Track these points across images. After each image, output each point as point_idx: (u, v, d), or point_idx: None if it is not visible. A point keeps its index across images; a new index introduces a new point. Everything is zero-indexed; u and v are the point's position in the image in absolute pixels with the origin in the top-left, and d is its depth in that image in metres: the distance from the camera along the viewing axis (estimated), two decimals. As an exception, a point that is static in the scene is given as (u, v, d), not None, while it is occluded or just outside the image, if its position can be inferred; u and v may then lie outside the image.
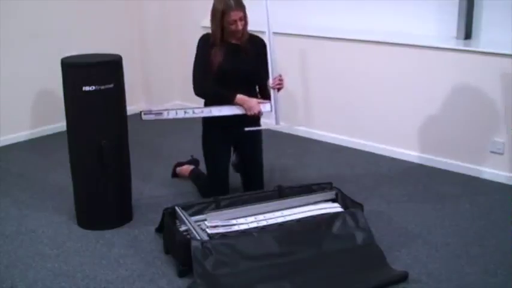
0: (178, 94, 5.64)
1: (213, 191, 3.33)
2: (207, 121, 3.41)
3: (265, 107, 3.28)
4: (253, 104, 3.23)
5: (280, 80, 3.28)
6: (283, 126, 3.35)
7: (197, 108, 3.37)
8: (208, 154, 3.45)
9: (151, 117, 3.27)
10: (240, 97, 3.23)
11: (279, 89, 3.30)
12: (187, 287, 2.62)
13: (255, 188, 3.40)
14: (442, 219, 3.28)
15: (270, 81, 3.28)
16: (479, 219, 3.27)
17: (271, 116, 3.34)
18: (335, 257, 2.77)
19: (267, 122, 3.43)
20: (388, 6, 4.26)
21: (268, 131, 4.85)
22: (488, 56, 3.68)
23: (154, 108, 5.50)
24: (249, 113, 3.23)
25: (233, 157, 3.59)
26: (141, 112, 3.26)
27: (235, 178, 3.90)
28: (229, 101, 3.25)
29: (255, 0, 3.40)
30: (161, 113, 3.30)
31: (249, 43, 3.32)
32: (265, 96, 3.34)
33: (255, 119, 3.33)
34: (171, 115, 3.30)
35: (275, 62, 3.29)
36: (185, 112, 3.33)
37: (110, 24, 5.10)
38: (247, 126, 3.27)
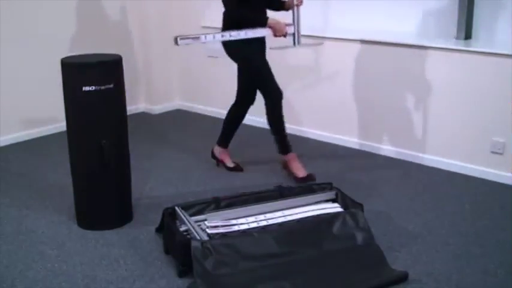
0: (179, 94, 5.65)
1: (277, 95, 3.66)
2: (247, 40, 3.56)
3: (290, 29, 3.57)
4: (282, 26, 3.54)
5: None
6: (302, 45, 3.71)
7: (233, 31, 3.50)
8: (260, 66, 3.68)
9: (189, 41, 3.32)
10: (271, 20, 3.53)
11: (297, 6, 3.59)
12: (187, 287, 2.62)
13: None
14: (442, 219, 3.28)
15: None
16: (479, 219, 3.27)
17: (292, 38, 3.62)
18: (335, 257, 2.78)
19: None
20: (388, 6, 4.26)
21: (263, 130, 4.87)
22: (488, 56, 3.68)
23: (156, 107, 5.51)
24: (277, 34, 3.54)
25: None
26: (176, 37, 3.25)
27: (235, 178, 3.90)
28: (263, 23, 3.52)
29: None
30: (198, 37, 3.38)
31: None
32: (277, 7, 3.69)
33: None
34: (209, 38, 3.44)
35: None
36: (222, 36, 3.52)
37: (110, 24, 5.10)
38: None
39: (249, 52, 3.63)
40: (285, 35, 3.57)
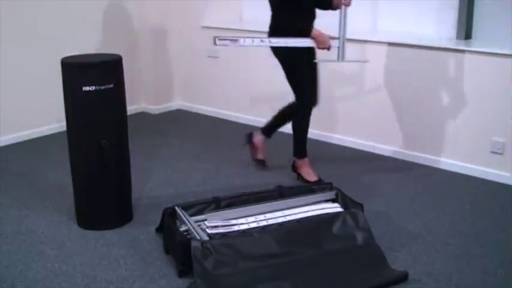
0: (179, 94, 5.65)
1: (311, 104, 3.66)
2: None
3: (334, 42, 3.51)
4: (326, 38, 3.48)
5: None
6: (349, 61, 3.68)
7: (273, 38, 3.49)
8: (301, 70, 3.61)
9: (226, 43, 3.30)
10: (315, 31, 3.46)
11: (345, 5, 3.49)
12: (187, 287, 2.62)
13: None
14: (442, 219, 3.28)
15: None
16: (479, 219, 3.27)
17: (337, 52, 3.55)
18: (335, 257, 2.77)
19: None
20: (388, 7, 4.27)
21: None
22: (488, 56, 3.68)
23: (156, 107, 5.51)
24: (320, 46, 3.49)
25: None
26: (215, 38, 3.24)
27: (235, 178, 3.90)
28: (307, 33, 3.46)
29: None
30: (237, 40, 3.36)
31: None
32: (325, 6, 3.59)
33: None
34: (247, 42, 3.42)
35: None
36: (261, 41, 3.49)
37: (110, 24, 5.10)
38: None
39: (293, 55, 3.55)
40: (328, 48, 3.50)
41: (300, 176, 3.80)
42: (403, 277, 2.67)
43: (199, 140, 4.69)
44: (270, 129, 3.98)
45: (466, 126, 3.87)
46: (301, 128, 3.72)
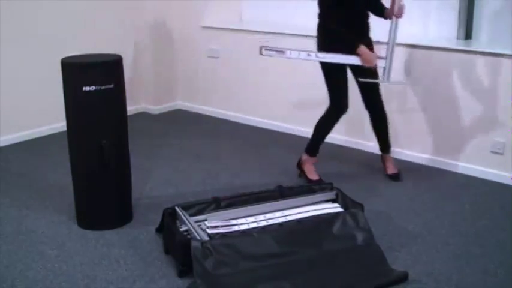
0: (179, 94, 5.65)
1: (342, 109, 3.61)
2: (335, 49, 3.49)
3: (381, 62, 3.47)
4: (372, 57, 3.45)
5: (403, 8, 3.43)
6: (394, 82, 3.63)
7: (320, 53, 3.47)
8: (338, 76, 3.58)
9: (272, 53, 3.29)
10: (362, 48, 3.41)
11: (397, 17, 3.44)
12: (187, 287, 2.62)
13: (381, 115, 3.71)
14: (442, 219, 3.28)
15: (395, 9, 3.41)
16: (479, 219, 3.27)
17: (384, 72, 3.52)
18: (335, 257, 2.77)
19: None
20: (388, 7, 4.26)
21: (264, 130, 4.87)
22: (488, 56, 3.68)
23: (156, 107, 5.52)
24: (366, 65, 3.44)
25: None
26: (261, 47, 3.22)
27: (235, 178, 3.90)
28: (353, 48, 3.42)
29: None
30: (283, 52, 3.34)
31: None
32: (374, 7, 3.54)
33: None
34: (294, 55, 3.41)
35: None
36: (308, 54, 3.45)
37: (110, 24, 5.10)
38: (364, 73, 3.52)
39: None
40: (374, 68, 3.49)
41: (302, 173, 3.81)
42: (403, 277, 2.67)
43: (199, 140, 4.69)
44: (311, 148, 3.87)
45: (466, 126, 3.87)
46: (321, 128, 3.73)
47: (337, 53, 3.44)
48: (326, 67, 3.57)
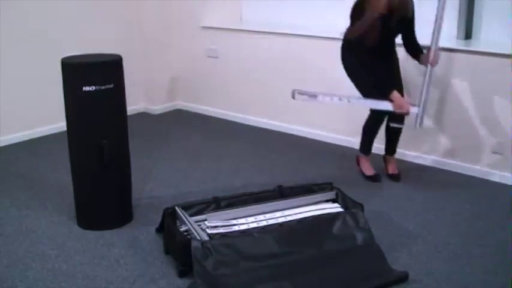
0: (179, 94, 5.65)
1: (381, 116, 3.61)
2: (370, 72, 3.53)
3: (413, 109, 3.47)
4: (405, 105, 3.44)
5: (439, 57, 3.47)
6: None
7: (352, 98, 3.50)
8: (373, 93, 3.54)
9: (304, 98, 3.31)
10: (395, 94, 3.42)
11: (432, 65, 3.47)
12: (187, 287, 2.62)
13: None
14: (442, 219, 3.28)
15: (431, 56, 3.44)
16: (479, 219, 3.27)
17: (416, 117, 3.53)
18: (335, 257, 2.77)
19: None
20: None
21: (264, 130, 4.87)
22: (488, 56, 3.68)
23: (156, 107, 5.52)
24: (397, 111, 3.44)
25: None
26: (294, 91, 3.25)
27: (235, 178, 3.90)
28: (386, 93, 3.43)
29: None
30: (316, 96, 3.36)
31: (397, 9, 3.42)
32: (410, 46, 3.57)
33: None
34: (326, 100, 3.41)
35: (439, 34, 3.40)
36: (340, 99, 3.48)
37: (110, 24, 5.10)
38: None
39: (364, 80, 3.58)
40: (405, 114, 3.49)
41: (359, 169, 3.90)
42: (403, 277, 2.67)
43: (199, 140, 4.69)
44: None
45: (466, 126, 3.87)
46: (367, 129, 3.77)
47: (369, 92, 3.51)
48: (354, 78, 3.60)
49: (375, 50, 3.43)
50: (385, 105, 3.46)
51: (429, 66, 3.48)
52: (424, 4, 4.13)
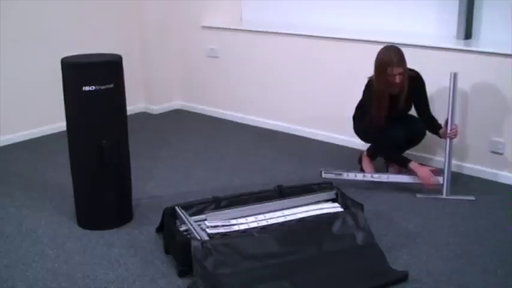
0: (179, 94, 5.65)
1: (389, 141, 3.61)
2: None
3: (439, 179, 3.51)
4: (427, 174, 3.50)
5: (457, 130, 3.53)
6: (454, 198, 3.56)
7: (376, 174, 3.68)
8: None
9: (331, 176, 3.61)
10: (413, 164, 3.52)
11: (451, 138, 3.52)
12: (187, 286, 2.62)
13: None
14: (442, 219, 3.28)
15: (448, 129, 3.50)
16: (479, 219, 3.27)
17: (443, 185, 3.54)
18: (335, 257, 2.78)
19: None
20: (388, 6, 4.26)
21: (264, 130, 4.87)
22: (488, 56, 3.68)
23: (156, 107, 5.52)
24: (425, 183, 3.50)
25: None
26: (321, 171, 3.64)
27: (235, 178, 3.90)
28: (403, 164, 3.57)
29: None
30: (341, 174, 3.64)
31: (407, 86, 3.52)
32: (427, 122, 3.65)
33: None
34: (350, 177, 3.64)
35: (455, 111, 3.50)
36: (364, 176, 3.68)
37: (109, 24, 5.10)
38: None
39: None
40: (433, 185, 3.49)
41: (359, 165, 3.94)
42: (403, 277, 2.67)
43: (199, 139, 4.69)
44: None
45: (466, 126, 3.87)
46: (383, 151, 3.78)
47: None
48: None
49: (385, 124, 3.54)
50: (407, 179, 3.57)
51: (448, 139, 3.52)
52: (424, 4, 4.13)
